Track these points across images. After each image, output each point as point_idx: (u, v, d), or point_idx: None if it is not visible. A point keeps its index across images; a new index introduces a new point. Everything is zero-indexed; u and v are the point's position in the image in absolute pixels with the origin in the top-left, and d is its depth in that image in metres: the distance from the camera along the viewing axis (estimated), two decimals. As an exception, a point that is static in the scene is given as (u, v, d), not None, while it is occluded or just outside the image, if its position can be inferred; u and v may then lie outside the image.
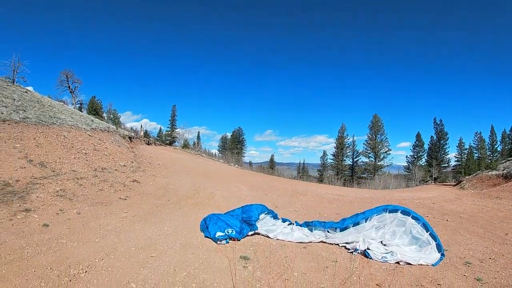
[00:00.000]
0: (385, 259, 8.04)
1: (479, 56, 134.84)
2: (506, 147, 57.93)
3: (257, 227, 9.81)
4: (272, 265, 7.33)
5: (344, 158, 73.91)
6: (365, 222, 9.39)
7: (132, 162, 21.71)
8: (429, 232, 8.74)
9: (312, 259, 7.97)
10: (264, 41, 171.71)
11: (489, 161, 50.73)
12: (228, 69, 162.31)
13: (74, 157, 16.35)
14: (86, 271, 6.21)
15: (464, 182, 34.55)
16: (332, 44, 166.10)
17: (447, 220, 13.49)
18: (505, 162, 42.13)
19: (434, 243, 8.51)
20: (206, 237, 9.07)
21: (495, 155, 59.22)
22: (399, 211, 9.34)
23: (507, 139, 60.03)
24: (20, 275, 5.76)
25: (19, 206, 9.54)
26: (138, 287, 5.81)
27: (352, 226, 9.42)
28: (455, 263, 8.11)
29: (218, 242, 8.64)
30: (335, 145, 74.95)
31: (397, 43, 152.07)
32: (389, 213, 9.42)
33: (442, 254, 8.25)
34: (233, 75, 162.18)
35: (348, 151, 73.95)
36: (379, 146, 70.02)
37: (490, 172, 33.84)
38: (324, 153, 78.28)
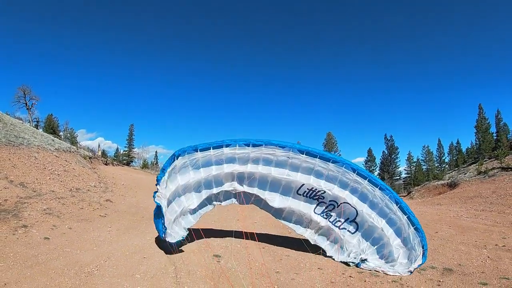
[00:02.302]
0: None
1: (424, 74, 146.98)
2: (454, 158, 63.43)
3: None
4: (239, 260, 9.77)
5: None
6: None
7: (100, 182, 22.87)
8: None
9: (270, 255, 10.44)
10: (217, 57, 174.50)
11: (437, 172, 55.00)
12: (185, 86, 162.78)
13: (49, 178, 17.51)
14: (97, 269, 8.06)
15: (413, 192, 38.28)
16: (285, 61, 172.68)
17: None
18: (451, 172, 46.82)
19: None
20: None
21: (443, 166, 63.64)
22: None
23: (454, 151, 65.67)
24: (44, 275, 7.44)
25: (16, 223, 10.92)
26: (141, 277, 7.82)
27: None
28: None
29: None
30: None
31: (352, 60, 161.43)
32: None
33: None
34: (191, 91, 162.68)
35: None
36: None
37: (436, 182, 37.71)
38: None
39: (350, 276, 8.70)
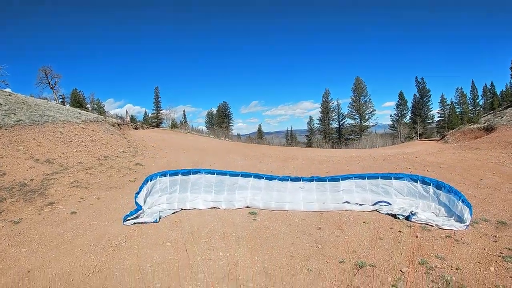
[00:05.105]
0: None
1: (456, 13, 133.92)
2: (488, 101, 59.91)
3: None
4: (277, 217, 9.00)
5: (331, 122, 76.41)
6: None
7: (129, 147, 22.52)
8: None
9: (308, 212, 9.52)
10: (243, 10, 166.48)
11: (472, 115, 53.19)
12: (208, 41, 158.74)
13: (76, 150, 17.13)
14: (125, 241, 7.35)
15: (448, 136, 36.25)
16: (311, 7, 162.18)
17: (427, 171, 14.98)
18: (486, 115, 44.35)
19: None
20: None
21: (477, 109, 61.75)
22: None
23: (489, 93, 61.97)
24: (69, 254, 6.79)
25: (42, 201, 10.46)
26: (172, 245, 7.03)
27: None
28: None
29: None
30: (320, 110, 77.16)
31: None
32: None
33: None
34: (213, 47, 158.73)
35: (333, 114, 76.19)
36: (363, 107, 72.48)
37: (472, 126, 35.55)
38: (311, 119, 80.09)
39: (399, 231, 7.75)
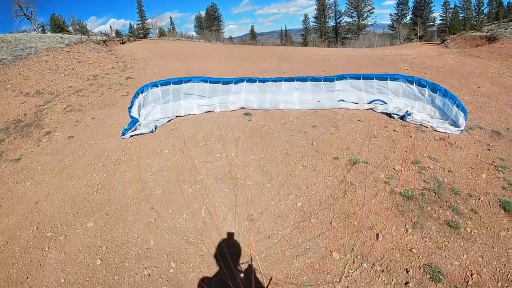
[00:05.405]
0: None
1: None
2: (493, 11, 56.82)
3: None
4: (272, 116, 8.91)
5: (327, 20, 71.12)
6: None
7: (117, 63, 21.57)
8: None
9: (303, 111, 9.39)
10: None
11: (475, 22, 51.25)
12: None
13: (64, 75, 16.47)
14: (124, 155, 7.35)
15: (448, 41, 34.66)
16: None
17: (425, 73, 14.29)
18: (490, 24, 42.98)
19: None
20: None
21: (481, 17, 57.99)
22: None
23: (495, 2, 57.79)
24: (72, 178, 6.80)
25: (39, 133, 10.26)
26: (170, 151, 7.03)
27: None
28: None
29: None
30: (316, 7, 71.21)
31: None
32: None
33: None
34: None
35: (330, 12, 70.51)
36: (362, 4, 66.93)
37: (474, 33, 33.93)
38: (306, 17, 74.34)
39: (394, 130, 7.67)
